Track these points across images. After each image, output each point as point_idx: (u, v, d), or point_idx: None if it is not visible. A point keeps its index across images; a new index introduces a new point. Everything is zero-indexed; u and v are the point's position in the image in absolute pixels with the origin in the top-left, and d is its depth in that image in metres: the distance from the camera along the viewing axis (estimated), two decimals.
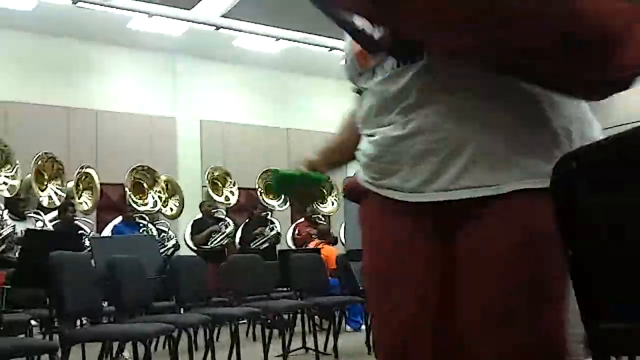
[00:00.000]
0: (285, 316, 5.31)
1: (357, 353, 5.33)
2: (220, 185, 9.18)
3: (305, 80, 11.67)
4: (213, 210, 8.39)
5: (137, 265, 4.16)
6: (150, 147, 10.09)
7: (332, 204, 9.48)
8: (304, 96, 11.81)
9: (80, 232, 6.58)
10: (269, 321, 5.34)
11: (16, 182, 6.43)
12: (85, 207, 7.40)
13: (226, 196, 9.07)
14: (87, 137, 9.66)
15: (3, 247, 5.63)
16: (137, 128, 10.15)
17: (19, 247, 5.16)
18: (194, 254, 7.58)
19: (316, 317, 5.84)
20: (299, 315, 5.63)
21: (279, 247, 8.39)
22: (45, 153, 7.09)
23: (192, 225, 8.19)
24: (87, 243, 5.60)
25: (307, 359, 5.14)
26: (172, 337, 3.73)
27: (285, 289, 6.31)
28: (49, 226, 6.43)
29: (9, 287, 4.30)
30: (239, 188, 9.30)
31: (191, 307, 4.83)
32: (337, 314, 5.58)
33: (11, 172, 6.43)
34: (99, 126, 9.87)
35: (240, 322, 4.76)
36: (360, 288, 5.37)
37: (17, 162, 6.53)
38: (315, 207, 8.76)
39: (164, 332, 3.56)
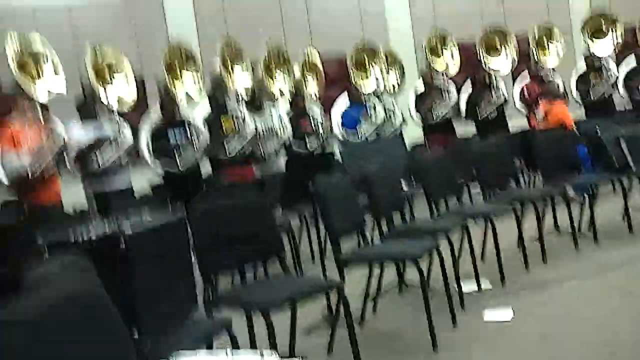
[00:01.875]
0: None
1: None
2: (440, 51, 8.38)
3: None
4: (436, 80, 8.00)
5: (388, 172, 4.29)
6: (358, 13, 10.09)
7: (557, 54, 8.47)
8: None
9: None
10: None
11: (250, 78, 6.58)
12: (313, 92, 7.33)
13: (447, 64, 8.31)
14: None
15: (250, 147, 6.10)
16: None
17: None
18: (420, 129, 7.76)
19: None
20: None
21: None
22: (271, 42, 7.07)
23: (416, 100, 7.99)
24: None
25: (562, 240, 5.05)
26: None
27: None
28: (284, 116, 6.66)
29: None
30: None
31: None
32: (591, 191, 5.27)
33: (244, 68, 6.59)
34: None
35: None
36: (617, 166, 5.07)
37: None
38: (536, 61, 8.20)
39: (431, 248, 3.52)
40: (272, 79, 7.02)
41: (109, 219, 2.99)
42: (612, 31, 8.56)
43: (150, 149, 5.77)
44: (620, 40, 8.53)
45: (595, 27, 8.68)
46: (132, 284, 2.29)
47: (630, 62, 8.46)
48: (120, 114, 5.71)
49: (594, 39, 8.65)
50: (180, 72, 6.29)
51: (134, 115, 6.55)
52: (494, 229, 4.24)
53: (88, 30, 8.67)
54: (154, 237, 2.48)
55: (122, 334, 1.55)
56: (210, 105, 6.37)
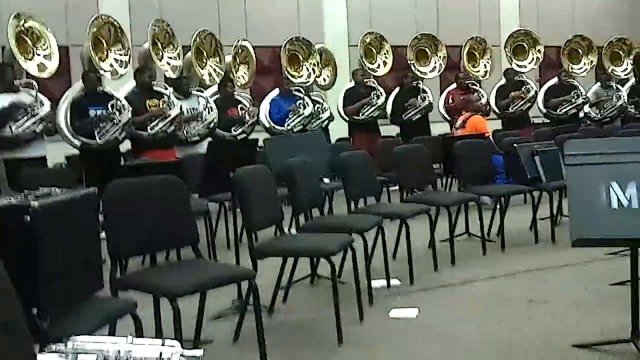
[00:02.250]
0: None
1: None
2: (374, 52, 8.74)
3: None
4: (365, 80, 8.20)
5: (310, 168, 4.23)
6: (296, 9, 10.27)
7: (485, 66, 8.94)
8: None
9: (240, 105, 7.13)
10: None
11: (179, 62, 6.65)
12: (243, 81, 7.48)
13: (378, 64, 8.70)
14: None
15: (173, 127, 6.10)
16: None
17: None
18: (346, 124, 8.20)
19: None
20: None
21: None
22: (203, 30, 7.09)
23: (345, 97, 8.14)
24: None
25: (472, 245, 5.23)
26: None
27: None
28: (211, 102, 6.71)
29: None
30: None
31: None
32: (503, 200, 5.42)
33: (174, 52, 6.65)
34: None
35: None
36: (529, 176, 5.25)
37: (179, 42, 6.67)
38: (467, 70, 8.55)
39: (345, 245, 3.52)
40: (202, 65, 6.95)
41: (16, 189, 2.88)
42: (534, 50, 8.95)
43: (69, 120, 5.61)
44: (540, 59, 8.93)
45: (518, 45, 9.06)
46: (35, 260, 2.22)
47: (550, 81, 8.85)
48: (40, 85, 5.53)
49: (516, 55, 9.01)
50: (107, 47, 6.13)
51: (56, 85, 6.33)
52: (407, 230, 4.34)
53: None
54: (62, 212, 2.40)
55: (18, 312, 1.51)
56: (136, 84, 6.23)
